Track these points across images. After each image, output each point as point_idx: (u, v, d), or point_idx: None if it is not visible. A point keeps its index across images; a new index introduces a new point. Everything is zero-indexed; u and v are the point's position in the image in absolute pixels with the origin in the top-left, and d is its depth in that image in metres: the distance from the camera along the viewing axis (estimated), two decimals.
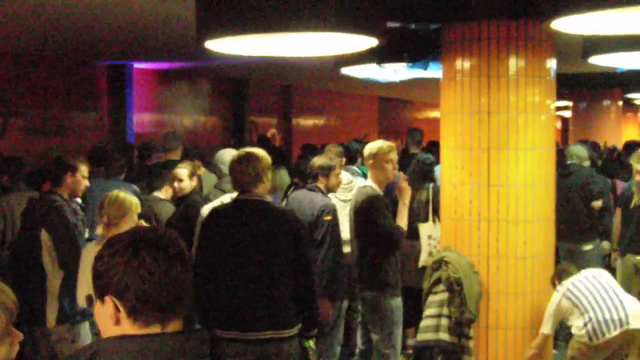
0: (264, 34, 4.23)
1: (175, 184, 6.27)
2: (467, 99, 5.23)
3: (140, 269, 1.83)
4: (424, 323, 5.10)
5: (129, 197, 4.87)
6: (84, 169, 5.40)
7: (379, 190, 5.42)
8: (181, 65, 11.84)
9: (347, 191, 6.54)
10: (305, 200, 5.65)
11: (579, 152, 7.61)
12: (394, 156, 5.48)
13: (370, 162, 5.44)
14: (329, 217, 5.53)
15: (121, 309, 1.85)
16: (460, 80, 5.27)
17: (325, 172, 5.75)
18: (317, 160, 5.83)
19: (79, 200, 5.97)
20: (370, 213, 5.28)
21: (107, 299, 1.86)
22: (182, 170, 6.31)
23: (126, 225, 4.76)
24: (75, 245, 5.10)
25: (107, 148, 9.13)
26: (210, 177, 7.27)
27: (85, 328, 5.26)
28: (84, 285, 4.62)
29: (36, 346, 5.19)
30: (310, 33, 4.21)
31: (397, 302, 5.35)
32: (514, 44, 5.15)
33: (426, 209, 6.48)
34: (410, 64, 6.55)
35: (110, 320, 1.86)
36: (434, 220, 6.32)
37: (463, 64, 5.26)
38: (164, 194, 6.50)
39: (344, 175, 6.67)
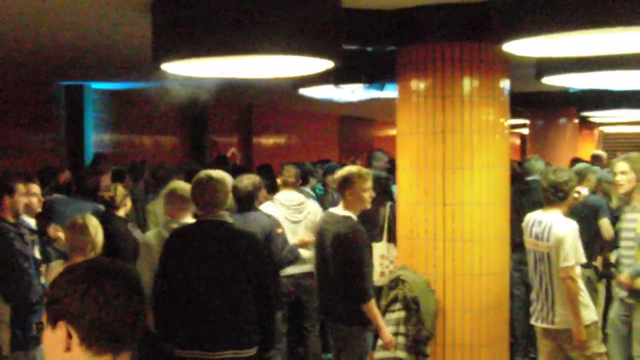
0: (220, 57, 4.27)
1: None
2: (423, 120, 5.29)
3: (99, 297, 1.83)
4: (381, 341, 5.12)
5: (95, 222, 4.79)
6: (21, 188, 5.31)
7: (355, 219, 5.07)
8: (140, 85, 11.80)
9: (297, 212, 6.59)
10: (256, 219, 5.83)
11: (540, 168, 7.40)
12: (371, 183, 5.13)
13: (347, 190, 5.03)
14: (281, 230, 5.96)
15: (74, 335, 1.84)
16: (416, 101, 5.34)
17: (256, 193, 6.00)
18: (242, 184, 5.96)
19: (30, 222, 5.88)
20: (354, 252, 4.91)
21: (61, 324, 1.85)
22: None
23: (90, 251, 4.71)
24: (21, 274, 4.93)
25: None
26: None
27: (41, 353, 5.21)
28: None
29: None
30: (266, 56, 4.25)
31: (372, 334, 5.14)
32: (468, 66, 5.23)
33: (382, 228, 6.43)
34: (367, 85, 6.61)
35: (60, 346, 1.85)
36: (388, 240, 6.27)
37: (418, 85, 5.33)
38: None
39: (296, 196, 6.71)
